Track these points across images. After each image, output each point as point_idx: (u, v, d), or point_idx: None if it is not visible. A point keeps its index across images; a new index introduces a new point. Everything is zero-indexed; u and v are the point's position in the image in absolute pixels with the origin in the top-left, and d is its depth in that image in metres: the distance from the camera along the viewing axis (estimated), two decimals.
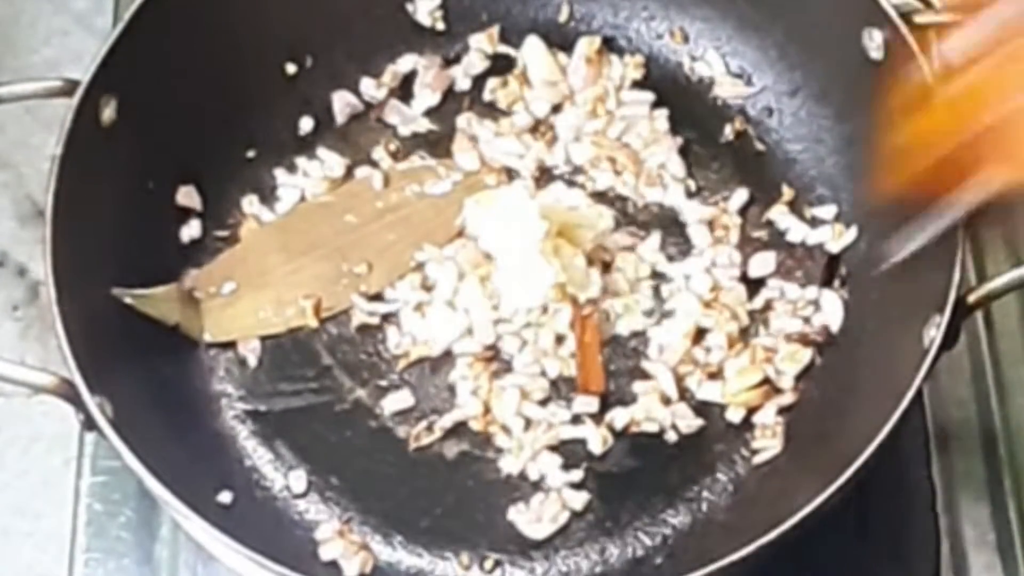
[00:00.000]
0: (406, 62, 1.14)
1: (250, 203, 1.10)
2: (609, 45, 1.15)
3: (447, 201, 1.09)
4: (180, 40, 1.05)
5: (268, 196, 1.11)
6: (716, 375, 1.03)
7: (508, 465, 1.01)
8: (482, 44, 1.15)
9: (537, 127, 1.12)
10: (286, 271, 1.07)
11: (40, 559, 1.05)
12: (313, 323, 1.06)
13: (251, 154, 1.11)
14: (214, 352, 1.05)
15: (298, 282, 1.07)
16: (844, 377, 1.02)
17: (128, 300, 1.00)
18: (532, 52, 1.14)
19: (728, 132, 1.12)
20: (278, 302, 1.07)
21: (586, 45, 1.14)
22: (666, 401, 1.02)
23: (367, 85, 1.14)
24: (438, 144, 1.12)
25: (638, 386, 1.03)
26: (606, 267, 1.06)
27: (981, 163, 0.86)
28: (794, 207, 1.09)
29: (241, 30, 1.09)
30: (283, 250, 1.08)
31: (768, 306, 1.06)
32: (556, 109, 1.13)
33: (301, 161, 1.12)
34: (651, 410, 1.02)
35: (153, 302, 1.02)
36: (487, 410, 1.02)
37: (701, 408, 1.03)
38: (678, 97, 1.14)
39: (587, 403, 1.02)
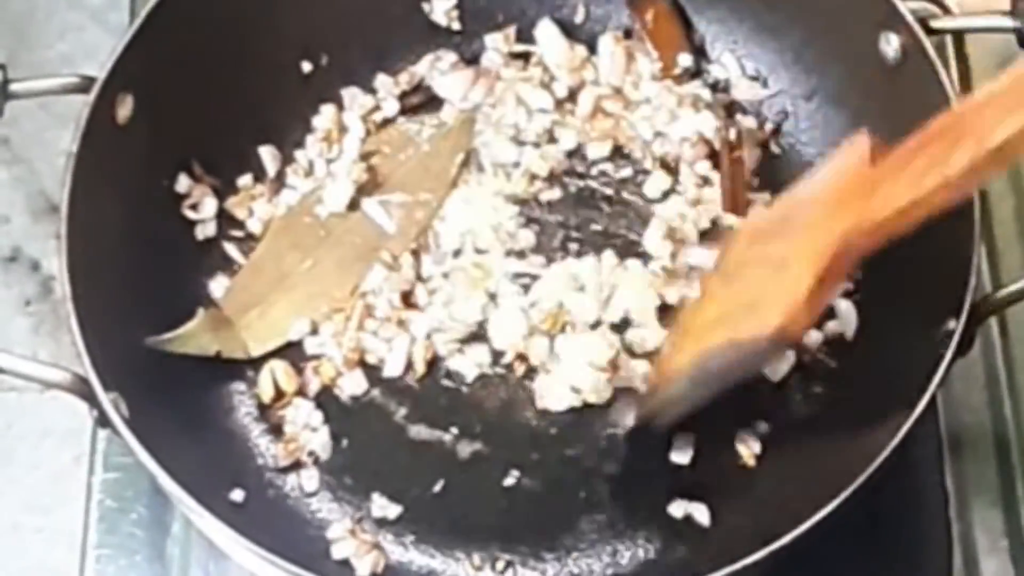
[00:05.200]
0: (424, 64, 1.14)
1: (265, 201, 1.11)
2: None
3: (435, 151, 1.10)
4: (196, 37, 1.05)
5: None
6: None
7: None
8: (498, 44, 1.15)
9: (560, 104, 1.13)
10: (306, 267, 1.08)
11: (51, 554, 1.05)
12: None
13: (265, 151, 1.12)
14: None
15: (322, 274, 1.07)
16: (858, 382, 1.02)
17: (165, 347, 1.00)
18: (545, 35, 1.14)
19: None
20: (309, 298, 1.07)
21: (611, 41, 1.14)
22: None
23: (383, 82, 1.14)
24: None
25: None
26: None
27: None
28: None
29: (257, 27, 1.09)
30: (296, 248, 1.08)
31: None
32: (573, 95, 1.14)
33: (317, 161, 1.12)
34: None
35: (188, 340, 1.02)
36: None
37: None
38: None
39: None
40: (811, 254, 0.88)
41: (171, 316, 1.03)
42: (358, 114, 1.13)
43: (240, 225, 1.10)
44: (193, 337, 1.02)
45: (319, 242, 1.08)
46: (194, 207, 1.08)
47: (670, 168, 1.10)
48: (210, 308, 1.05)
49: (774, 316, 0.89)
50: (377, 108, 1.13)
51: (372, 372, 1.05)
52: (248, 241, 1.09)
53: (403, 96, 1.14)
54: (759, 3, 1.13)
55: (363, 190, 1.09)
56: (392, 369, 1.05)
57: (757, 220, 1.01)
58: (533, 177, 1.10)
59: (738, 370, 0.94)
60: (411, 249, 1.08)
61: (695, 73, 1.14)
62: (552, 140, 1.12)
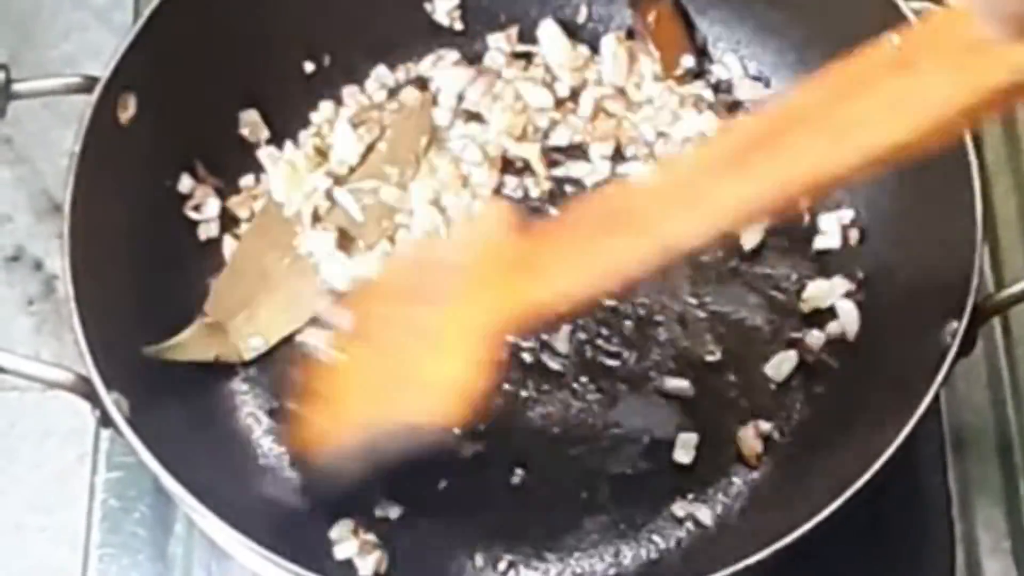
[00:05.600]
0: (426, 64, 1.15)
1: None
2: None
3: (398, 134, 1.10)
4: (199, 37, 1.05)
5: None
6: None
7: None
8: (500, 44, 1.15)
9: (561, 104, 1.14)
10: (286, 264, 1.08)
11: (54, 554, 1.05)
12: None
13: (268, 152, 1.12)
14: None
15: (302, 269, 1.07)
16: (861, 382, 1.02)
17: (163, 356, 1.00)
18: (548, 35, 1.14)
19: None
20: (293, 296, 1.07)
21: (614, 42, 1.14)
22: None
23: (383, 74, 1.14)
24: None
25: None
26: None
27: None
28: (811, 211, 1.09)
29: (259, 27, 1.09)
30: (274, 247, 1.08)
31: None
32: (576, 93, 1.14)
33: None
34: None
35: (185, 348, 1.02)
36: None
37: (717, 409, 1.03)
38: None
39: None
40: (465, 332, 0.84)
41: (174, 316, 1.03)
42: (349, 113, 1.13)
43: (243, 224, 1.10)
44: (190, 344, 1.02)
45: (296, 237, 1.08)
46: (197, 207, 1.08)
47: None
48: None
49: (444, 402, 0.87)
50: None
51: None
52: None
53: None
54: (761, 3, 1.13)
55: (338, 181, 1.10)
56: None
57: (393, 271, 0.99)
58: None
59: (410, 446, 0.91)
60: (388, 235, 1.08)
61: (697, 74, 1.14)
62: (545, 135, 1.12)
